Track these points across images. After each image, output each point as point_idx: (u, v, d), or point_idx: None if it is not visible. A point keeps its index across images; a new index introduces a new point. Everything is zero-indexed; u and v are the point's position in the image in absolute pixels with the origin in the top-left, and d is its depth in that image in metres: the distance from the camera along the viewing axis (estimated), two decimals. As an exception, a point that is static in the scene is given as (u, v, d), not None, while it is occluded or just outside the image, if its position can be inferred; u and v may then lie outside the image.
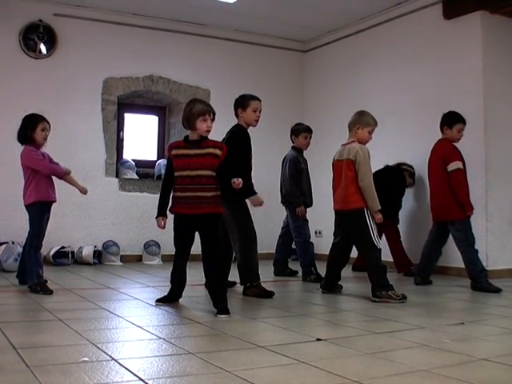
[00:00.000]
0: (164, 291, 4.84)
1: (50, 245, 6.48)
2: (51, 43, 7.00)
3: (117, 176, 7.43)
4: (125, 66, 7.42)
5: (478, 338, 3.21)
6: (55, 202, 4.76)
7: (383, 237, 6.06)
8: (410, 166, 6.52)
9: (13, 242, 6.17)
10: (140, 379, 2.28)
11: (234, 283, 4.90)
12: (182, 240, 4.01)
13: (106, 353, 2.68)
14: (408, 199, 6.60)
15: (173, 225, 3.99)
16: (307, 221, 5.82)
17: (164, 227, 3.99)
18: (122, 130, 7.76)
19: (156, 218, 4.01)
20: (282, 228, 6.27)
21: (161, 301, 4.11)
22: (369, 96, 7.26)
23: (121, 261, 7.03)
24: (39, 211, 4.61)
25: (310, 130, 6.07)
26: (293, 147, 6.03)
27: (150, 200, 7.47)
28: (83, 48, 7.16)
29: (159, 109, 8.11)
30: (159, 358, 2.63)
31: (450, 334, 3.22)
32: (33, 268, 4.55)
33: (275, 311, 4.00)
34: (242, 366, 2.49)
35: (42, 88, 6.80)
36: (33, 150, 4.62)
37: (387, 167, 6.45)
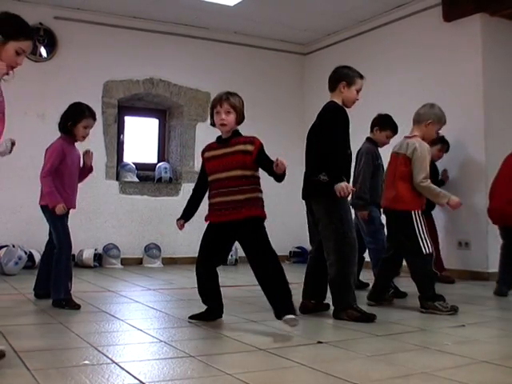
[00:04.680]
0: (165, 294, 4.84)
1: (51, 248, 6.48)
2: (51, 46, 7.01)
3: (117, 179, 7.43)
4: (125, 69, 7.42)
5: (479, 341, 3.21)
6: (73, 208, 4.28)
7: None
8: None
9: (13, 246, 6.17)
10: (141, 382, 2.28)
11: (328, 306, 4.02)
12: (211, 252, 3.61)
13: (106, 356, 2.68)
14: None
15: (203, 232, 3.64)
16: (383, 225, 4.96)
17: (182, 228, 3.74)
18: (123, 132, 7.76)
19: (177, 220, 3.77)
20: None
21: (195, 318, 3.62)
22: (369, 98, 7.24)
23: (121, 264, 7.02)
24: (55, 214, 4.07)
25: (396, 132, 5.28)
26: (368, 139, 5.26)
27: (151, 203, 7.51)
28: (83, 51, 7.17)
29: (159, 112, 8.12)
30: (160, 361, 2.62)
31: (450, 337, 3.22)
32: (62, 279, 4.03)
33: (276, 314, 4.00)
34: (242, 369, 2.49)
35: (42, 91, 6.81)
36: (62, 146, 4.14)
37: None
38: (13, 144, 3.79)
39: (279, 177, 3.32)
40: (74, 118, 4.16)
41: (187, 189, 7.70)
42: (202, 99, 7.88)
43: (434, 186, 4.13)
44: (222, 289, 4.35)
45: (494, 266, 5.81)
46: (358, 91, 3.99)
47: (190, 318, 3.60)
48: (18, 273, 5.89)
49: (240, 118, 3.49)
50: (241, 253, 7.60)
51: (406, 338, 3.20)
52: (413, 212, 4.09)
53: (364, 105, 7.34)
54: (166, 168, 7.72)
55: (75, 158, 4.26)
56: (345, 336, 3.25)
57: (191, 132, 7.83)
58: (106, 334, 3.23)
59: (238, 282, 5.34)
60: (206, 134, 7.80)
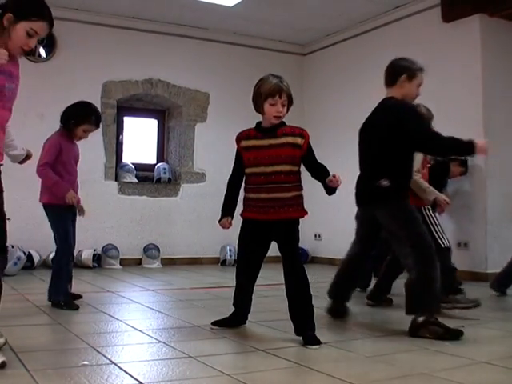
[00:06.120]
0: (164, 294, 4.83)
1: (50, 248, 6.47)
2: (50, 47, 7.00)
3: (116, 179, 7.43)
4: (124, 70, 7.42)
5: (479, 341, 3.21)
6: (79, 204, 4.15)
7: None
8: None
9: (12, 246, 6.15)
10: (140, 383, 2.28)
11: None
12: (252, 251, 3.29)
13: (105, 356, 2.68)
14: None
15: (239, 231, 3.31)
16: None
17: (229, 227, 3.29)
18: (122, 133, 7.76)
19: (219, 221, 3.32)
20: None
21: (218, 324, 3.41)
22: (368, 99, 7.25)
23: (120, 264, 7.02)
24: (57, 212, 3.99)
25: None
26: None
27: (150, 203, 7.50)
28: (82, 51, 7.16)
29: (158, 112, 8.11)
30: (159, 362, 2.62)
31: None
32: (61, 283, 3.97)
33: (275, 314, 3.99)
34: (242, 370, 2.49)
35: (41, 92, 6.80)
36: (59, 141, 4.03)
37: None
38: (27, 157, 3.50)
39: (330, 190, 3.13)
40: (78, 119, 4.07)
41: (186, 189, 7.72)
42: (201, 100, 7.88)
43: (422, 181, 4.05)
44: (220, 290, 4.35)
45: (492, 267, 5.82)
46: (418, 86, 3.68)
47: (213, 324, 3.41)
48: (16, 273, 5.89)
49: (289, 108, 3.22)
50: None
51: (406, 338, 3.20)
52: (422, 208, 3.99)
53: (364, 106, 7.35)
54: (164, 168, 7.72)
55: (72, 153, 4.14)
56: (344, 336, 3.25)
57: (190, 132, 7.83)
58: (105, 335, 3.23)
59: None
60: (205, 134, 7.86)
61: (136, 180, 7.57)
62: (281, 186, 3.09)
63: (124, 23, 7.40)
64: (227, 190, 3.36)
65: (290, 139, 3.10)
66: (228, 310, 3.79)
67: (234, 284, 3.42)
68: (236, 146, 3.30)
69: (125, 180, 7.48)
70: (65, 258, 4.02)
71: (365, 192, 3.64)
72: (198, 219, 7.58)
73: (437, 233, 3.93)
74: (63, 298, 3.96)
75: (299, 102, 8.43)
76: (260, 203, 3.14)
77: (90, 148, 7.14)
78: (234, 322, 3.43)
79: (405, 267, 3.44)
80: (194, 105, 7.85)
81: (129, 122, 7.90)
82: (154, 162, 7.98)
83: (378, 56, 7.31)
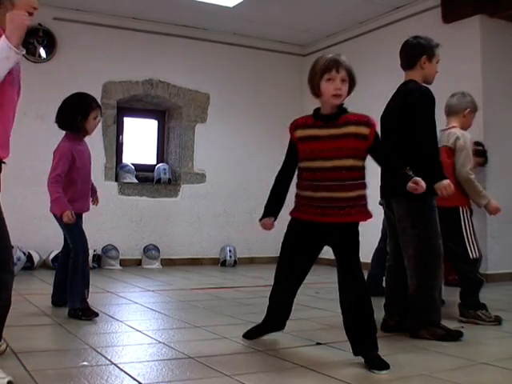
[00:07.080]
0: (164, 295, 4.83)
1: (50, 249, 6.47)
2: (51, 47, 7.00)
3: (116, 180, 7.43)
4: (124, 70, 7.42)
5: (478, 342, 3.21)
6: (85, 211, 3.98)
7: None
8: (478, 144, 5.59)
9: (12, 246, 6.15)
10: (139, 383, 2.28)
11: None
12: (300, 254, 2.86)
13: (105, 357, 2.68)
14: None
15: (286, 230, 2.93)
16: None
17: (271, 228, 2.90)
18: (122, 133, 7.76)
19: (260, 220, 2.92)
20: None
21: (249, 336, 3.09)
22: (368, 99, 7.25)
23: (120, 265, 7.01)
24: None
25: None
26: None
27: (150, 204, 7.50)
28: (83, 52, 7.16)
29: (158, 113, 8.11)
30: (159, 363, 2.62)
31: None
32: (77, 288, 3.67)
33: (275, 315, 4.00)
34: (241, 370, 2.49)
35: (41, 92, 6.79)
36: (70, 149, 3.76)
37: None
38: None
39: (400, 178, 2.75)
40: (84, 112, 3.76)
41: (186, 190, 7.72)
42: (201, 100, 7.88)
43: (477, 183, 3.75)
44: (220, 291, 4.33)
45: (493, 268, 5.82)
46: (437, 63, 3.50)
47: (245, 337, 3.09)
48: (16, 274, 5.86)
49: (351, 89, 2.82)
50: (240, 254, 7.66)
51: (405, 339, 3.20)
52: (461, 208, 3.72)
53: (363, 107, 7.34)
54: (164, 169, 7.72)
55: (86, 157, 3.92)
56: (343, 337, 3.23)
57: (190, 133, 7.83)
58: (104, 335, 3.23)
59: (236, 283, 5.34)
60: (205, 135, 7.86)
61: (136, 180, 7.57)
62: (342, 184, 2.66)
63: (124, 23, 7.40)
64: (274, 185, 2.94)
65: (353, 129, 2.69)
66: (227, 310, 3.79)
67: (272, 286, 3.03)
68: (290, 136, 2.93)
69: (125, 180, 7.48)
70: (80, 262, 3.72)
71: (385, 183, 3.41)
72: (197, 220, 7.58)
73: (468, 241, 3.67)
74: (79, 305, 3.65)
75: (299, 103, 8.45)
76: (316, 203, 2.71)
77: (90, 148, 7.13)
78: (267, 329, 3.09)
79: (407, 271, 3.28)
80: (194, 105, 7.85)
81: (129, 122, 7.89)
82: (154, 162, 7.98)
83: (377, 57, 7.32)
